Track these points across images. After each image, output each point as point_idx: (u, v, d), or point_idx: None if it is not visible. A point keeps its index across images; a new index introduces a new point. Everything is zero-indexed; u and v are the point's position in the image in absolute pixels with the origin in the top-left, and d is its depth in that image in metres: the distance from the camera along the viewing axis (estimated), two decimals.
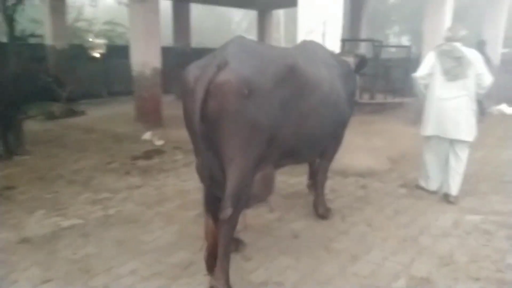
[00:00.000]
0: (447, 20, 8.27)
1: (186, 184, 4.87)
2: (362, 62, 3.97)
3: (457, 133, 4.23)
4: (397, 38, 28.81)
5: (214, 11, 25.73)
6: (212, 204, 2.66)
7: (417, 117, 8.41)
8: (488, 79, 4.19)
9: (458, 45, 4.24)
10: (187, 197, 4.41)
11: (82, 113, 9.81)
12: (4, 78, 6.02)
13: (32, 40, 9.90)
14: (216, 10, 25.20)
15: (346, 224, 3.72)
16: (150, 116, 8.13)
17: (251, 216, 3.80)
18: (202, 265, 2.97)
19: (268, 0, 13.52)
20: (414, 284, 2.79)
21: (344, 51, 6.85)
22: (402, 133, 7.68)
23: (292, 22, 21.16)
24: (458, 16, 8.94)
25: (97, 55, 12.73)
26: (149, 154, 6.24)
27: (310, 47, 3.52)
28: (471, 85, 4.19)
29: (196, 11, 17.53)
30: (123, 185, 4.83)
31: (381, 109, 10.14)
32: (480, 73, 4.17)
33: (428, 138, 4.50)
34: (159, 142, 6.98)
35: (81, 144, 6.89)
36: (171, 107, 10.42)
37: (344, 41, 9.37)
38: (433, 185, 4.56)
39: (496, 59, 10.72)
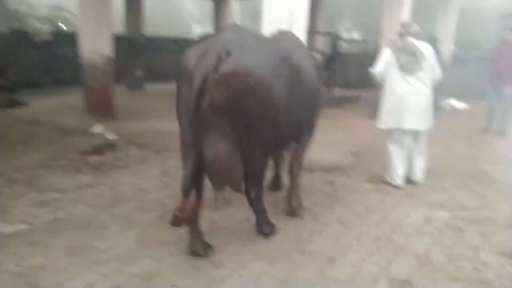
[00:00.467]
0: (405, 16, 8.33)
1: (143, 182, 4.51)
2: (332, 58, 4.10)
3: (416, 124, 4.41)
4: (348, 33, 29.30)
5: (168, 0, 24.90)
6: (196, 182, 2.76)
7: (374, 111, 8.52)
8: (438, 72, 4.47)
9: (410, 39, 4.41)
10: (145, 197, 4.07)
11: (25, 103, 8.99)
12: None
13: None
14: None
15: (319, 224, 3.55)
16: (101, 107, 7.60)
17: (218, 217, 3.56)
18: (168, 274, 2.71)
19: None
20: (394, 287, 2.66)
21: (312, 45, 6.80)
22: (362, 127, 7.70)
23: (248, 14, 20.92)
24: (416, 13, 9.07)
25: (40, 41, 11.82)
26: (100, 149, 5.77)
27: (291, 38, 3.57)
28: (427, 77, 4.40)
29: None
30: (73, 184, 4.40)
31: (338, 103, 10.16)
32: (433, 65, 4.41)
33: (390, 132, 4.57)
34: (111, 136, 6.51)
35: (24, 138, 6.24)
36: (123, 98, 9.89)
37: (312, 33, 9.24)
38: (400, 180, 4.55)
39: (446, 55, 11.03)
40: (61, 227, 3.39)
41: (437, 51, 6.02)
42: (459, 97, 11.29)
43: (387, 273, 2.81)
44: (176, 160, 5.37)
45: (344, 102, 10.48)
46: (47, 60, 11.75)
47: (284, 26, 4.80)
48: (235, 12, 19.38)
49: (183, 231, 3.28)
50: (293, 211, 3.67)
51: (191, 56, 2.62)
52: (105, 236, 3.24)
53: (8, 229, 3.30)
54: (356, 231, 3.42)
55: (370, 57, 10.91)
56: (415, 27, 4.50)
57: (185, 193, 2.68)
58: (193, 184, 2.70)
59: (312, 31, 10.43)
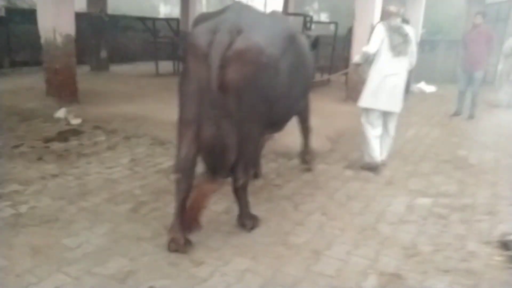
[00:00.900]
0: None
1: (112, 171, 4.23)
2: (315, 41, 4.08)
3: (391, 105, 4.42)
4: (316, 15, 29.17)
5: None
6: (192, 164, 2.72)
7: (346, 94, 8.45)
8: (415, 58, 4.49)
9: (400, 21, 4.36)
10: (115, 188, 3.80)
11: None
12: None
13: None
14: None
15: (300, 214, 3.42)
16: (64, 90, 7.10)
17: None
18: (144, 274, 2.50)
19: None
20: (385, 281, 2.56)
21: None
22: (336, 111, 7.61)
23: None
24: None
25: None
26: (64, 136, 5.41)
27: (284, 19, 3.68)
28: (407, 62, 4.41)
29: None
30: (36, 174, 4.07)
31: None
32: (413, 50, 4.40)
33: (366, 112, 4.53)
34: (75, 121, 6.11)
35: None
36: (87, 80, 9.39)
37: (285, 14, 9.03)
38: (378, 159, 4.54)
39: (416, 38, 11.07)
40: (23, 223, 3.10)
41: None
42: (427, 81, 11.41)
43: (376, 266, 2.71)
44: (147, 147, 5.14)
45: (316, 86, 10.34)
46: (4, 40, 10.96)
47: (260, 6, 4.59)
48: None
49: (159, 226, 3.09)
50: (307, 163, 4.41)
51: (203, 34, 2.55)
52: (73, 233, 2.99)
53: None
54: (340, 221, 3.31)
55: (341, 39, 10.88)
56: (402, 9, 4.44)
57: (181, 173, 2.68)
58: (189, 167, 2.69)
59: (285, 13, 10.20)
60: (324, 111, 7.72)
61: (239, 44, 2.47)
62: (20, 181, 3.87)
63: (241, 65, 2.48)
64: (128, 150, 4.93)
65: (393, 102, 4.41)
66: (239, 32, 2.50)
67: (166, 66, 11.64)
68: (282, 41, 2.81)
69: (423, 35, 13.02)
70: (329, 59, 11.13)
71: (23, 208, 3.33)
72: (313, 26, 11.20)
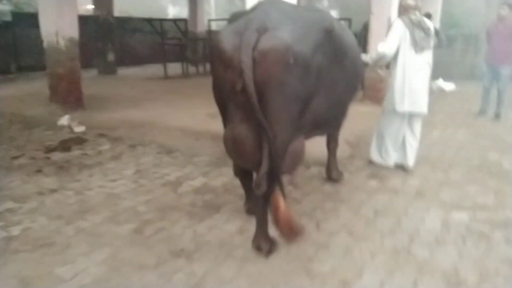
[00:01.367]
0: None
1: (116, 185, 3.91)
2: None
3: (418, 106, 4.15)
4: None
5: None
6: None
7: (363, 94, 8.02)
8: (445, 43, 4.41)
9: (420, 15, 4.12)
10: (118, 205, 3.47)
11: None
12: None
13: None
14: None
15: (324, 234, 3.03)
16: (68, 96, 6.83)
17: (204, 229, 3.02)
18: None
19: None
20: None
21: None
22: (352, 113, 7.11)
23: None
24: None
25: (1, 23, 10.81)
26: (67, 145, 5.12)
27: (321, 9, 3.42)
28: (431, 57, 4.17)
29: None
30: (33, 189, 3.77)
31: None
32: (441, 38, 4.30)
33: (390, 114, 4.28)
34: (79, 129, 5.82)
35: None
36: (94, 84, 9.12)
37: None
38: (390, 160, 4.40)
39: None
40: (14, 248, 2.79)
41: None
42: (444, 77, 10.89)
43: None
44: (153, 156, 4.80)
45: None
46: (10, 45, 10.76)
47: None
48: None
49: (164, 250, 2.75)
50: (334, 180, 3.99)
51: (230, 37, 2.43)
52: (68, 260, 2.66)
53: None
54: (369, 243, 2.92)
55: (355, 36, 10.46)
56: (420, 1, 4.18)
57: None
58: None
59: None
60: None
61: (263, 43, 2.31)
62: (15, 197, 3.58)
63: (267, 66, 2.31)
64: (133, 160, 4.60)
65: (420, 102, 4.14)
66: (265, 30, 2.34)
67: (175, 68, 11.35)
68: (316, 35, 2.55)
69: (439, 29, 12.52)
70: None
71: (15, 230, 3.02)
72: None
